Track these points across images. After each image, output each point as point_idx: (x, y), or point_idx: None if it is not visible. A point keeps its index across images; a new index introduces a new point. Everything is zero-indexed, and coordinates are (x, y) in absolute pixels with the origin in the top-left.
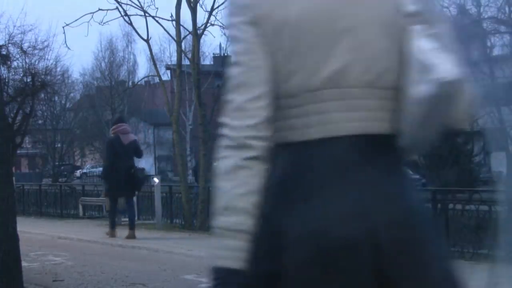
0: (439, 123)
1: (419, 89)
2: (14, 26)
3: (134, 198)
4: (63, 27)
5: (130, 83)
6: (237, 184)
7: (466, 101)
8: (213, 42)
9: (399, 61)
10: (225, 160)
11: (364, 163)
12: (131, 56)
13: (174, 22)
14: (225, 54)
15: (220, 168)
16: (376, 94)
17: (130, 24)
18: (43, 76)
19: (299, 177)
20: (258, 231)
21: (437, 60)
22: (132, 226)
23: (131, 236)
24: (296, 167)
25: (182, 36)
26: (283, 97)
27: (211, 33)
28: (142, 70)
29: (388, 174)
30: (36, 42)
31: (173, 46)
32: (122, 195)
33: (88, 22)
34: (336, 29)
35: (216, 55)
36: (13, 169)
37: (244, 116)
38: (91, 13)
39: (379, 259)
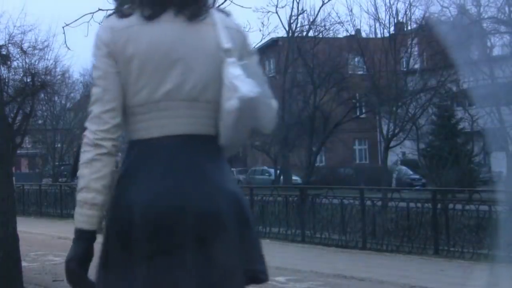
0: (247, 128)
1: (229, 103)
2: (14, 26)
3: None
4: (63, 27)
5: None
6: (92, 172)
7: (266, 111)
8: None
9: (218, 83)
10: (85, 154)
11: (190, 155)
12: None
13: None
14: None
15: (82, 159)
16: (201, 106)
17: None
18: (43, 76)
19: (141, 164)
20: (113, 203)
21: (241, 83)
22: None
23: None
24: (140, 157)
25: None
26: (134, 107)
27: None
28: None
29: (209, 164)
30: (36, 42)
31: None
32: None
33: (88, 22)
34: (172, 58)
35: None
36: (13, 169)
37: (99, 123)
38: (91, 13)
39: (196, 224)
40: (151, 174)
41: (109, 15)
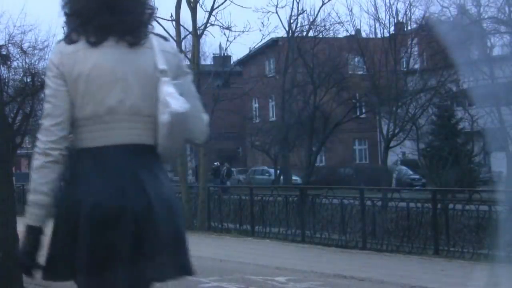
0: (181, 139)
1: (162, 117)
2: (14, 26)
3: None
4: (63, 27)
5: None
6: (41, 177)
7: (196, 124)
8: (213, 42)
9: (154, 99)
10: (36, 161)
11: (130, 163)
12: None
13: (174, 22)
14: (225, 54)
15: (33, 165)
16: (140, 120)
17: None
18: (43, 76)
19: (87, 170)
20: (61, 203)
21: (172, 100)
22: None
23: None
24: (86, 164)
25: (182, 36)
26: (82, 120)
27: (211, 33)
28: None
29: (146, 170)
30: (36, 42)
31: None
32: None
33: None
34: (114, 78)
35: (216, 55)
36: (13, 169)
37: (48, 134)
38: None
39: (133, 221)
40: (96, 179)
41: (59, 40)
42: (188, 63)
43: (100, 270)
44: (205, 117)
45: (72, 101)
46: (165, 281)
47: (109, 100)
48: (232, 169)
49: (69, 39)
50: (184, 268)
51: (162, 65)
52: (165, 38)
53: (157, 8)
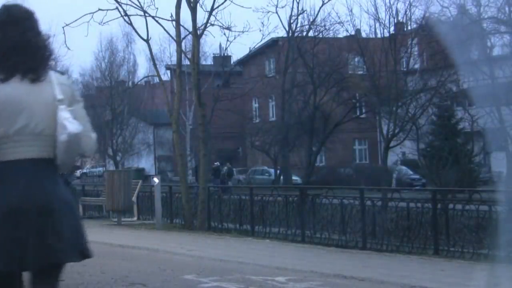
0: (74, 153)
1: (61, 137)
2: None
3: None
4: (63, 27)
5: (130, 83)
6: None
7: (87, 142)
8: (213, 42)
9: (54, 123)
10: None
11: (36, 172)
12: (131, 56)
13: (174, 22)
14: (225, 54)
15: None
16: (43, 139)
17: (130, 24)
18: None
19: (2, 178)
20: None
21: (68, 123)
22: None
23: None
24: (7, 173)
25: (182, 36)
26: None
27: (211, 33)
28: (142, 70)
29: (47, 178)
30: None
31: (173, 46)
32: None
33: (88, 22)
34: (20, 107)
35: (216, 55)
36: None
37: None
38: (91, 13)
39: (38, 215)
40: (10, 185)
41: None
42: (188, 63)
43: (13, 253)
44: (94, 135)
45: None
46: (67, 262)
47: (17, 124)
48: (233, 169)
49: None
50: (82, 253)
51: (59, 95)
52: (61, 73)
53: (157, 8)
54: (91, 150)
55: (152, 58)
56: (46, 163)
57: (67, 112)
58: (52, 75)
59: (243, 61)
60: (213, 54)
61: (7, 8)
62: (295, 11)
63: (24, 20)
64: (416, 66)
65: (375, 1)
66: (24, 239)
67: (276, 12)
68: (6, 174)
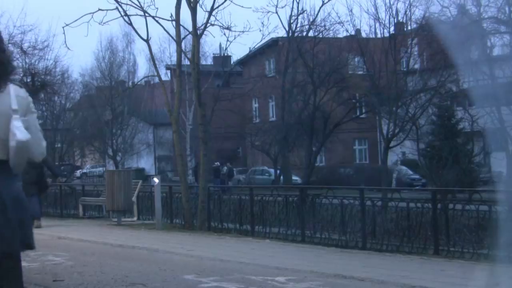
0: (24, 157)
1: (11, 143)
2: (14, 26)
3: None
4: (63, 27)
5: (130, 83)
6: None
7: (36, 149)
8: (213, 42)
9: (8, 129)
10: None
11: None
12: (131, 56)
13: (174, 22)
14: (225, 54)
15: None
16: (1, 143)
17: (130, 24)
18: (43, 76)
19: None
20: None
21: (18, 131)
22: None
23: (37, 226)
24: None
25: (182, 36)
26: None
27: (211, 33)
28: (142, 70)
29: (3, 178)
30: (36, 42)
31: (173, 46)
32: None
33: (88, 22)
34: None
35: (216, 55)
36: None
37: None
38: (91, 13)
39: None
40: None
41: None
42: (188, 63)
43: None
44: (44, 143)
45: None
46: (13, 252)
47: None
48: (233, 169)
49: None
50: (28, 245)
51: (14, 106)
52: (20, 86)
53: (157, 8)
54: (40, 156)
55: (152, 58)
56: (2, 164)
57: (19, 121)
58: (11, 88)
59: (243, 61)
60: (213, 54)
61: None
62: (295, 11)
63: None
64: (416, 66)
65: (375, 1)
66: None
67: (276, 12)
68: None
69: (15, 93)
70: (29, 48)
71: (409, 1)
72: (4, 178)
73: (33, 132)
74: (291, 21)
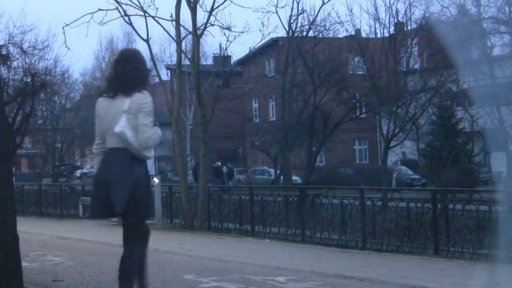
0: (129, 145)
1: (114, 133)
2: (14, 26)
3: None
4: (63, 27)
5: None
6: (96, 157)
7: (130, 143)
8: (213, 42)
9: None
10: (94, 152)
11: (118, 157)
12: None
13: (174, 22)
14: (225, 54)
15: (95, 154)
16: (115, 135)
17: (130, 24)
18: (43, 76)
19: (104, 158)
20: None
21: (117, 126)
22: None
23: None
24: (105, 155)
25: (182, 36)
26: (103, 135)
27: (211, 33)
28: None
29: (127, 161)
30: (36, 42)
31: (173, 46)
32: None
33: (88, 22)
34: (107, 115)
35: (216, 55)
36: (13, 169)
37: (97, 139)
38: (91, 13)
39: (108, 188)
40: (106, 162)
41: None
42: (188, 63)
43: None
44: (146, 134)
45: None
46: (147, 217)
47: (104, 127)
48: (234, 169)
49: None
50: (151, 214)
51: (125, 108)
52: (142, 93)
53: (157, 8)
54: (144, 144)
55: (152, 58)
56: (121, 150)
57: (123, 118)
58: (134, 95)
59: (243, 61)
60: (213, 54)
61: (122, 51)
62: (295, 11)
63: (128, 60)
64: (416, 66)
65: (375, 1)
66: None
67: (276, 12)
68: (106, 155)
69: (132, 98)
70: (29, 48)
71: (409, 1)
72: (123, 160)
73: (139, 126)
74: (291, 21)
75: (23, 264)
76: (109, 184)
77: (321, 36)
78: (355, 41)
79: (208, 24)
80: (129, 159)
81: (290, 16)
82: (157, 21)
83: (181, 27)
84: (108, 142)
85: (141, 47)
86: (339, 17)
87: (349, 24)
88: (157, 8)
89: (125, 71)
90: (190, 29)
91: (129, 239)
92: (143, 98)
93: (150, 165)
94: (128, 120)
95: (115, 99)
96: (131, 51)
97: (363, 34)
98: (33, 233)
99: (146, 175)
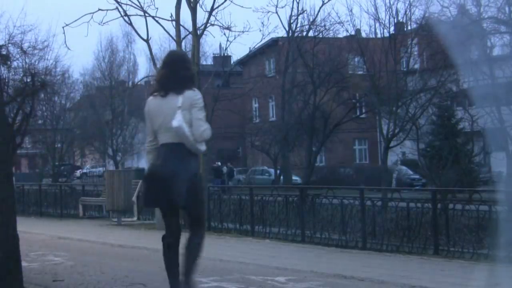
0: (184, 140)
1: (171, 128)
2: (14, 26)
3: None
4: (63, 27)
5: (130, 83)
6: (148, 154)
7: (187, 136)
8: (213, 42)
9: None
10: (147, 149)
11: (174, 151)
12: (131, 56)
13: (174, 22)
14: (225, 54)
15: (147, 151)
16: (172, 131)
17: (130, 24)
18: (43, 76)
19: (159, 153)
20: (152, 165)
21: (174, 121)
22: None
23: None
24: (159, 151)
25: (182, 36)
26: (156, 132)
27: (211, 33)
28: (142, 70)
29: (183, 155)
30: (36, 42)
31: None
32: None
33: (88, 22)
34: (160, 112)
35: (216, 55)
36: (13, 169)
37: (148, 137)
38: (91, 13)
39: (167, 181)
40: (161, 158)
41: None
42: None
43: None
44: (201, 128)
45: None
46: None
47: (158, 123)
48: (234, 169)
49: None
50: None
51: (179, 104)
52: (193, 90)
53: (157, 8)
54: (199, 137)
55: (152, 58)
56: (177, 145)
57: (178, 113)
58: (186, 92)
59: (243, 61)
60: (213, 54)
61: (170, 53)
62: (295, 11)
63: (176, 61)
64: (416, 66)
65: (375, 1)
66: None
67: (276, 12)
68: (160, 151)
69: (183, 95)
70: (29, 48)
71: (409, 1)
72: (178, 155)
73: (195, 122)
74: (291, 21)
75: (23, 264)
76: (167, 178)
77: (321, 36)
78: (355, 41)
79: (208, 24)
80: (185, 153)
81: (290, 16)
82: (157, 21)
83: (181, 27)
84: (161, 139)
85: (141, 47)
86: (339, 17)
87: (349, 24)
88: (157, 8)
89: (175, 71)
90: (190, 29)
91: (195, 227)
92: (195, 95)
93: None
94: (183, 116)
95: (167, 98)
96: (179, 52)
97: (363, 34)
98: (33, 233)
99: (199, 168)
